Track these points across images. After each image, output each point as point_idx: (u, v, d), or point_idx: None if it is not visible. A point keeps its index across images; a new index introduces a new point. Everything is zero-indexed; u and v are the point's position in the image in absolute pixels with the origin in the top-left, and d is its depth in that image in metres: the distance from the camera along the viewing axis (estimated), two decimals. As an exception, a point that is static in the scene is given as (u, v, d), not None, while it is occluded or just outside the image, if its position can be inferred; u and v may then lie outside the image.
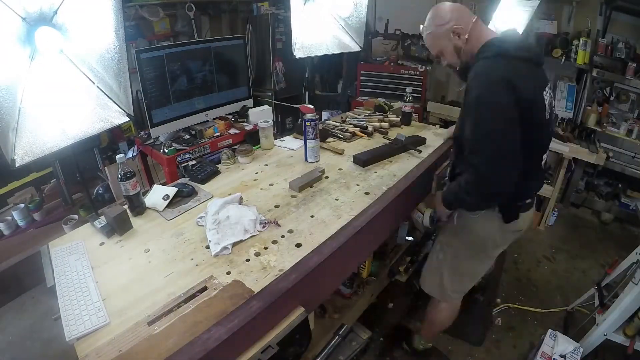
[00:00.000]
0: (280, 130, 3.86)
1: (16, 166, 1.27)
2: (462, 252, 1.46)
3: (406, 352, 1.89)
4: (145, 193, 1.42)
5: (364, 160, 1.66)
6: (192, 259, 1.11)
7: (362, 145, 1.92)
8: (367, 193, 1.44)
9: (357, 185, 1.51)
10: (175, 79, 2.25)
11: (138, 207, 1.33)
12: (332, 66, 4.25)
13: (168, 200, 1.37)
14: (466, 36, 1.20)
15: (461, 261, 1.47)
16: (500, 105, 1.06)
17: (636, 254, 1.71)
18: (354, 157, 1.70)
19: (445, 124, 1.83)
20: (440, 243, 1.54)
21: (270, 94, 3.77)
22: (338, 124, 2.10)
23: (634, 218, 3.01)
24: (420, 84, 3.51)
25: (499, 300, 2.27)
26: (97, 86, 1.46)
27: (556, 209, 3.03)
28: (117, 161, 1.27)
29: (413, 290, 2.30)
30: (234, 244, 1.15)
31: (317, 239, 1.17)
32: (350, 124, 2.11)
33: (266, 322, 0.94)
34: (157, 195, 1.40)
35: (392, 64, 3.62)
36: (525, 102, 1.07)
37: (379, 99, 2.82)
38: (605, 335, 1.70)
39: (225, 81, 2.52)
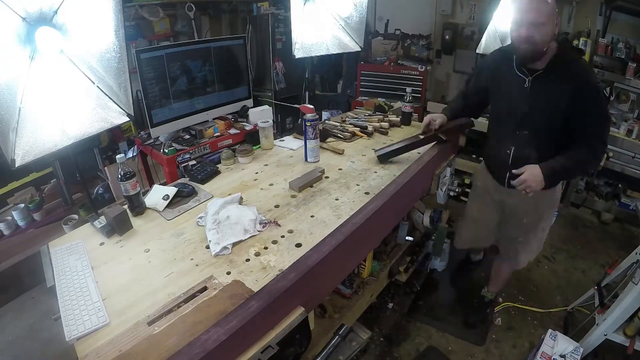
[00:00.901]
0: (280, 130, 3.86)
1: (16, 166, 1.27)
2: (550, 224, 1.75)
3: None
4: (145, 193, 1.42)
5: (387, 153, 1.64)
6: (192, 259, 1.11)
7: (362, 145, 1.92)
8: (367, 193, 1.44)
9: (357, 185, 1.51)
10: (175, 79, 2.25)
11: (138, 207, 1.33)
12: (332, 66, 4.25)
13: (168, 200, 1.37)
14: (557, 27, 1.33)
15: (548, 229, 1.76)
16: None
17: (636, 254, 1.71)
18: (379, 156, 1.68)
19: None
20: (542, 228, 1.71)
21: (270, 94, 3.77)
22: (338, 124, 2.10)
23: (634, 218, 3.01)
24: (420, 84, 3.51)
25: (500, 299, 2.27)
26: (97, 86, 1.46)
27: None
28: (117, 161, 1.27)
29: (413, 290, 2.30)
30: (234, 244, 1.15)
31: (317, 239, 1.17)
32: (350, 124, 2.11)
33: (266, 322, 0.94)
34: (157, 195, 1.40)
35: (392, 64, 3.62)
36: None
37: (379, 99, 2.82)
38: (605, 335, 1.70)
39: (225, 81, 2.52)
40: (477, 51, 2.73)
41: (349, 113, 2.45)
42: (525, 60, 1.36)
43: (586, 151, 1.37)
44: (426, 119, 1.72)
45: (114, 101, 1.53)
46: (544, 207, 1.64)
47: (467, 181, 2.67)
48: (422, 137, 1.69)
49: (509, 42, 1.46)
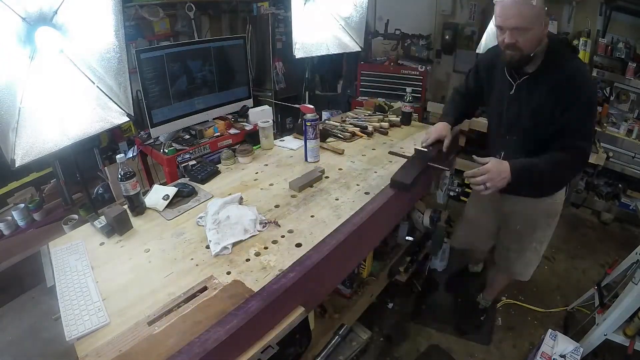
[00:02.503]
0: (280, 130, 3.86)
1: (16, 166, 1.27)
2: (551, 235, 1.67)
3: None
4: (145, 193, 1.42)
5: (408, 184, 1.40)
6: (192, 259, 1.11)
7: (362, 145, 1.92)
8: (367, 193, 1.44)
9: (357, 185, 1.51)
10: (175, 79, 2.25)
11: (138, 207, 1.33)
12: (332, 66, 4.24)
13: (168, 200, 1.37)
14: (547, 29, 1.23)
15: (548, 241, 1.68)
16: (596, 103, 1.41)
17: (636, 254, 1.71)
18: (394, 181, 1.44)
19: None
20: (537, 241, 1.63)
21: (270, 94, 3.77)
22: (338, 124, 2.10)
23: (634, 218, 3.01)
24: (420, 84, 3.51)
25: (504, 297, 2.27)
26: (97, 86, 1.46)
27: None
28: (117, 161, 1.27)
29: (413, 290, 2.30)
30: (234, 244, 1.15)
31: (317, 239, 1.17)
32: (350, 124, 2.11)
33: (266, 322, 0.94)
34: (157, 195, 1.40)
35: (392, 64, 3.62)
36: None
37: (379, 99, 2.82)
38: (605, 335, 1.70)
39: (225, 81, 2.52)
40: (477, 51, 2.72)
41: (349, 113, 2.45)
42: (511, 66, 1.30)
43: (563, 156, 1.24)
44: (433, 135, 1.59)
45: (114, 101, 1.53)
46: (539, 215, 1.55)
47: (467, 181, 2.67)
48: (429, 162, 1.54)
49: None
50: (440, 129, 1.60)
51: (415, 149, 1.60)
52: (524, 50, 1.19)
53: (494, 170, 1.22)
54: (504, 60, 1.27)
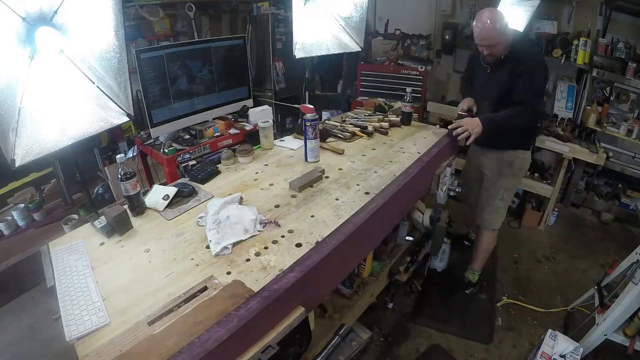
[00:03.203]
0: (280, 130, 3.86)
1: (16, 166, 1.27)
2: (516, 186, 2.14)
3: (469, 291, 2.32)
4: (145, 193, 1.42)
5: None
6: (192, 259, 1.11)
7: (362, 145, 1.92)
8: (367, 193, 1.44)
9: (357, 185, 1.51)
10: (175, 79, 2.25)
11: (138, 207, 1.33)
12: (332, 66, 4.25)
13: (168, 200, 1.37)
14: (511, 37, 1.74)
15: (513, 193, 2.15)
16: (546, 71, 1.79)
17: (636, 254, 1.71)
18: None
19: (445, 123, 1.98)
20: (504, 188, 2.04)
21: (270, 94, 3.77)
22: (338, 124, 2.10)
23: (634, 218, 3.01)
24: (420, 84, 3.51)
25: (504, 297, 2.27)
26: (97, 86, 1.46)
27: (556, 209, 3.03)
28: (117, 161, 1.27)
29: (413, 290, 2.30)
30: (234, 244, 1.15)
31: (317, 239, 1.17)
32: (350, 124, 2.11)
33: (266, 322, 0.94)
34: (157, 195, 1.40)
35: (392, 64, 3.62)
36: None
37: (379, 99, 2.81)
38: (605, 335, 1.70)
39: (225, 81, 2.52)
40: (477, 51, 2.74)
41: (349, 113, 2.45)
42: (488, 64, 1.87)
43: (517, 109, 1.72)
44: (466, 104, 2.07)
45: (113, 101, 1.53)
46: (504, 164, 1.99)
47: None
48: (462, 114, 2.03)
49: None
50: (467, 100, 2.09)
51: (458, 114, 2.07)
52: (496, 55, 1.77)
53: (469, 121, 1.78)
54: (484, 61, 1.87)
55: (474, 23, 1.72)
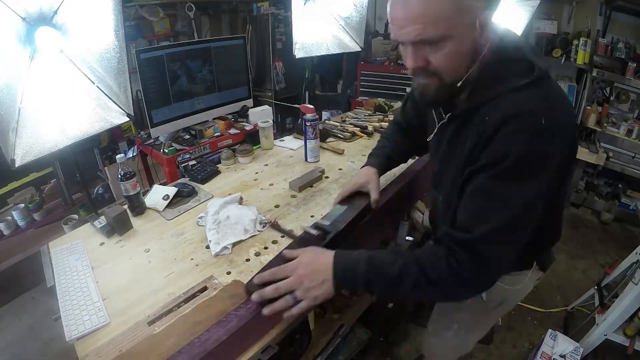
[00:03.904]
0: (280, 130, 3.86)
1: (16, 166, 1.27)
2: (489, 323, 1.22)
3: None
4: (145, 193, 1.42)
5: None
6: (192, 259, 1.11)
7: (362, 145, 1.92)
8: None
9: (357, 185, 1.50)
10: (175, 79, 2.25)
11: (138, 207, 1.33)
12: (332, 66, 4.25)
13: (168, 200, 1.37)
14: (488, 34, 0.71)
15: (482, 330, 1.23)
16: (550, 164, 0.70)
17: (636, 254, 1.71)
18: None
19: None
20: (459, 322, 1.15)
21: (270, 94, 3.77)
22: (338, 124, 2.10)
23: (634, 218, 3.01)
24: (420, 84, 3.50)
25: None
26: (97, 86, 1.46)
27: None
28: (117, 161, 1.27)
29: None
30: (234, 244, 1.14)
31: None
32: (350, 124, 2.11)
33: (266, 322, 0.94)
34: (157, 195, 1.40)
35: (392, 64, 3.62)
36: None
37: (379, 99, 2.81)
38: (605, 335, 1.70)
39: (225, 81, 2.52)
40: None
41: (349, 113, 2.45)
42: (424, 103, 0.76)
43: (439, 254, 0.75)
44: (349, 187, 1.16)
45: (114, 101, 1.53)
46: (487, 313, 1.11)
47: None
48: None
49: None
50: (361, 176, 1.14)
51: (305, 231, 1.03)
52: (443, 76, 0.73)
53: (301, 265, 0.81)
54: (416, 93, 0.82)
55: None
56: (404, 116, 1.23)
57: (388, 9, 0.71)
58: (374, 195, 1.10)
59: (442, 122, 0.87)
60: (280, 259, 0.87)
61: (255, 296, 0.83)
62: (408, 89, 2.20)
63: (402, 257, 0.77)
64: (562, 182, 0.79)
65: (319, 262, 0.81)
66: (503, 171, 0.69)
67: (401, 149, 1.24)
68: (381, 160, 1.20)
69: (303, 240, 0.98)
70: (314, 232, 0.99)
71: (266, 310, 0.81)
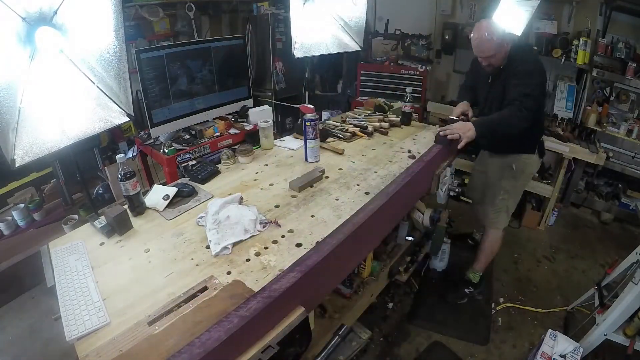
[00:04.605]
0: (280, 130, 3.86)
1: (16, 166, 1.27)
2: (519, 189, 2.12)
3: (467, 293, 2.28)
4: (145, 193, 1.42)
5: None
6: (192, 259, 1.11)
7: (362, 145, 1.92)
8: (367, 193, 1.44)
9: (357, 185, 1.51)
10: (175, 79, 2.25)
11: (138, 207, 1.33)
12: (332, 66, 4.24)
13: (168, 200, 1.37)
14: (509, 46, 1.78)
15: (517, 195, 2.12)
16: (541, 73, 1.77)
17: (636, 254, 1.71)
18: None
19: (445, 123, 1.95)
20: (504, 189, 2.06)
21: (270, 94, 3.77)
22: (338, 124, 2.10)
23: (634, 218, 3.01)
24: (420, 84, 3.51)
25: (502, 300, 2.27)
26: (97, 86, 1.46)
27: (556, 209, 3.03)
28: (117, 161, 1.27)
29: (413, 290, 2.30)
30: (234, 244, 1.15)
31: (317, 239, 1.17)
32: (350, 124, 2.11)
33: (266, 322, 0.94)
34: (157, 195, 1.40)
35: (392, 64, 3.62)
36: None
37: (379, 99, 2.81)
38: (605, 335, 1.70)
39: (225, 81, 2.52)
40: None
41: (349, 113, 2.45)
42: (489, 74, 1.90)
43: (508, 111, 1.71)
44: (459, 108, 2.03)
45: (114, 101, 1.53)
46: (505, 167, 2.03)
47: (467, 181, 2.69)
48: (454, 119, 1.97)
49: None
50: (462, 105, 2.06)
51: (450, 118, 2.03)
52: (495, 65, 1.82)
53: (460, 125, 1.76)
54: (484, 70, 1.90)
55: (472, 35, 1.77)
56: (466, 81, 2.26)
57: (472, 42, 1.80)
58: (470, 114, 2.04)
59: (494, 73, 1.89)
60: (441, 135, 1.81)
61: (441, 132, 1.80)
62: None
63: (500, 113, 1.76)
64: (542, 93, 1.86)
65: (467, 125, 1.75)
66: (521, 74, 1.72)
67: (468, 97, 2.12)
68: (468, 98, 2.11)
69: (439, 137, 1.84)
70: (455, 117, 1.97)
71: (447, 132, 1.77)
